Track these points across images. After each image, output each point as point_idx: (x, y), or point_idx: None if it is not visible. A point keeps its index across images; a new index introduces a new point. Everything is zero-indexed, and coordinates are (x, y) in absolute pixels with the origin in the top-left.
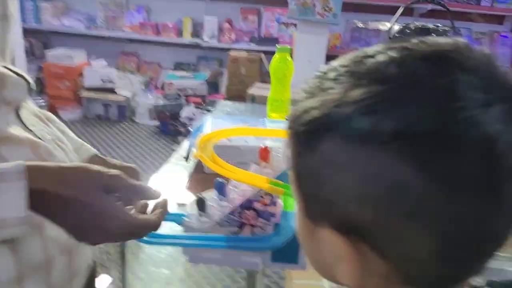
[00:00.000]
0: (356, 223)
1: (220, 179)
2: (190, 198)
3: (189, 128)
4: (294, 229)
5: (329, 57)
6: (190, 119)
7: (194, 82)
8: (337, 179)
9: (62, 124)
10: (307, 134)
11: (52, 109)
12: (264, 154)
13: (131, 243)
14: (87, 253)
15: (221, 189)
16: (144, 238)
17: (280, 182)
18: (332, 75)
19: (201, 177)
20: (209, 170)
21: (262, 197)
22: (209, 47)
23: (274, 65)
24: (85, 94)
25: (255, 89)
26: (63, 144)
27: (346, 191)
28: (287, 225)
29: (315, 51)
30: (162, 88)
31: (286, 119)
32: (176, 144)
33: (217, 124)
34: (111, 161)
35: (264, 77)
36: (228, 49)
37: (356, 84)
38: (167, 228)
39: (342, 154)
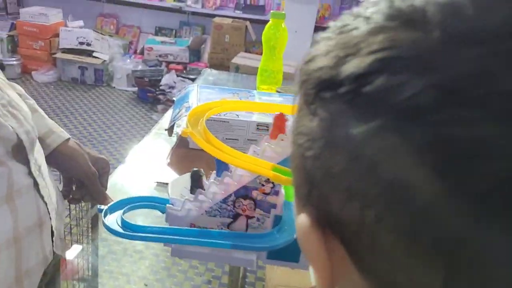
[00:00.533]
0: (337, 218)
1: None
2: (171, 176)
3: (169, 96)
4: None
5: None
6: (171, 87)
7: (175, 48)
8: (328, 156)
9: (33, 101)
10: (309, 95)
11: (25, 70)
12: (280, 122)
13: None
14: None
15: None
16: (120, 231)
17: (287, 169)
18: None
19: (185, 153)
20: (194, 145)
21: (262, 184)
22: (192, 12)
23: (266, 32)
24: (60, 55)
25: (239, 59)
26: (15, 111)
27: (336, 174)
28: (290, 218)
29: (304, 21)
30: (142, 53)
31: (278, 92)
32: (155, 112)
33: (204, 94)
34: (85, 149)
35: (249, 47)
36: (212, 15)
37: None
38: (147, 216)
39: (343, 125)
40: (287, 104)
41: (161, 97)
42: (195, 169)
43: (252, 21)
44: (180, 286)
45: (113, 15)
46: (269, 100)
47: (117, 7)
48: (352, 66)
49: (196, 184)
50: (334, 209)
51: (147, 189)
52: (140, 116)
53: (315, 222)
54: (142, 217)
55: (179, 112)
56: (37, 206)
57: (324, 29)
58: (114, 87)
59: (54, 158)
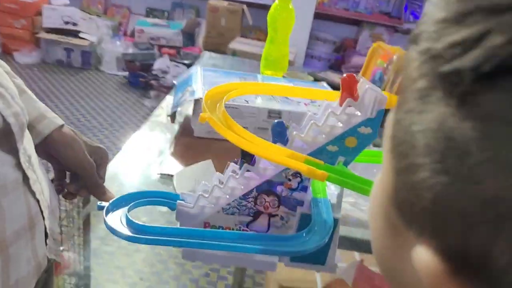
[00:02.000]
0: (476, 250)
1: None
2: (175, 167)
3: (162, 81)
4: (329, 223)
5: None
6: (164, 72)
7: (168, 31)
8: (491, 178)
9: (21, 80)
10: (456, 78)
11: (6, 50)
12: (351, 83)
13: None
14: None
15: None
16: (125, 233)
17: (321, 161)
18: None
19: (189, 142)
20: (199, 133)
21: (289, 179)
22: None
23: (272, 13)
24: (43, 35)
25: (236, 44)
26: (1, 89)
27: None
28: (320, 218)
29: (303, 7)
30: (132, 35)
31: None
32: (147, 98)
33: (209, 78)
34: (81, 137)
35: (245, 32)
36: None
37: None
38: (150, 212)
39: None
40: (316, 88)
41: (153, 82)
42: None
43: (249, 4)
44: (177, 280)
45: None
46: (292, 84)
47: None
48: None
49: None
50: (474, 239)
51: (150, 182)
52: (131, 102)
53: (448, 264)
54: (143, 213)
55: (182, 96)
56: (28, 205)
57: (323, 15)
58: (103, 71)
59: (46, 146)
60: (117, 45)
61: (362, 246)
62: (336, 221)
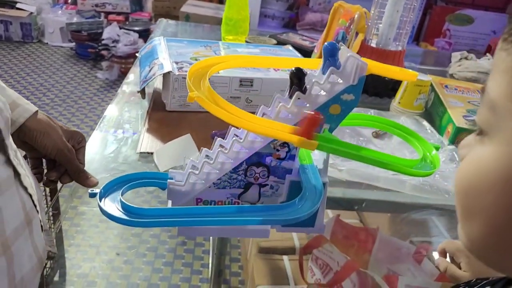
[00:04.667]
0: None
1: None
2: (153, 144)
3: (113, 51)
4: (318, 188)
5: None
6: (114, 41)
7: None
8: None
9: None
10: None
11: None
12: (314, 124)
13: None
14: None
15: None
16: (124, 217)
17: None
18: None
19: (162, 116)
20: (171, 106)
21: (277, 149)
22: None
23: None
24: None
25: (189, 7)
26: None
27: None
28: (309, 184)
29: None
30: (74, 3)
31: (247, 42)
32: (99, 70)
33: (174, 49)
34: (56, 122)
35: None
36: None
37: None
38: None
39: None
40: (289, 56)
41: (104, 52)
42: (295, 68)
43: None
44: (155, 251)
45: None
46: (250, 52)
47: None
48: None
49: (299, 85)
50: None
51: (130, 162)
52: (82, 75)
53: None
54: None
55: (150, 71)
56: (22, 201)
57: None
58: (47, 43)
59: (22, 135)
60: (59, 14)
61: (342, 203)
62: (324, 185)
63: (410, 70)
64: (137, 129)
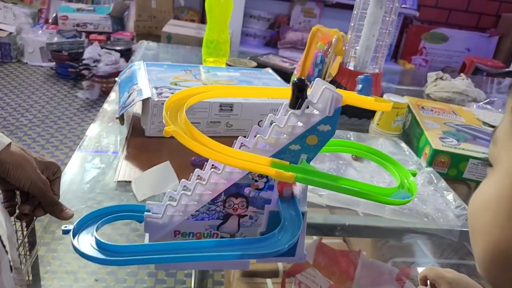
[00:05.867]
0: None
1: None
2: (131, 172)
3: (94, 71)
4: (298, 218)
5: None
6: (96, 60)
7: (95, 16)
8: None
9: None
10: None
11: None
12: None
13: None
14: None
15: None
16: (100, 256)
17: (286, 162)
18: None
19: (142, 142)
20: (151, 132)
21: (255, 180)
22: None
23: (210, 0)
24: None
25: (170, 27)
26: None
27: None
28: (288, 214)
29: None
30: (55, 23)
31: (228, 65)
32: (80, 89)
33: (154, 73)
34: (30, 153)
35: (177, 13)
36: None
37: None
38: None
39: None
40: (273, 85)
41: (85, 72)
42: (297, 79)
43: None
44: (135, 275)
45: None
46: (230, 76)
47: None
48: None
49: (302, 96)
50: None
51: (107, 191)
52: (62, 95)
53: None
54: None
55: (129, 96)
56: None
57: None
58: (27, 63)
59: None
60: (40, 34)
61: (323, 229)
62: (303, 214)
63: (385, 100)
64: (116, 156)
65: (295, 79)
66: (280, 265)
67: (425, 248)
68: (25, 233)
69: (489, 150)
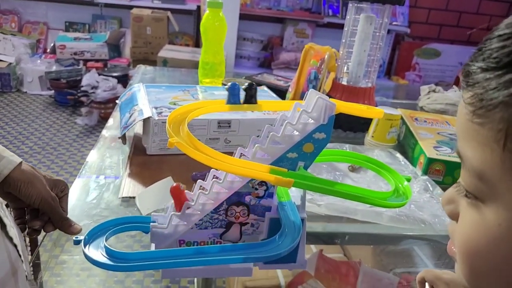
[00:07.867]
0: None
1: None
2: (135, 188)
3: (93, 97)
4: (297, 224)
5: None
6: (94, 87)
7: (91, 44)
8: None
9: None
10: None
11: None
12: (179, 195)
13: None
14: None
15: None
16: (109, 263)
17: (284, 169)
18: None
19: (143, 160)
20: (152, 150)
21: (255, 188)
22: (105, 3)
23: (204, 23)
24: None
25: (166, 52)
26: None
27: None
28: (288, 220)
29: (228, 9)
30: (53, 52)
31: (224, 85)
32: (78, 116)
33: (153, 94)
34: (40, 172)
35: (172, 38)
36: (129, 7)
37: None
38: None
39: None
40: (264, 96)
41: (84, 99)
42: (248, 83)
43: (172, 11)
44: (141, 283)
45: (12, 11)
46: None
47: (16, 2)
48: None
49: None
50: None
51: (113, 207)
52: (61, 122)
53: None
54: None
55: (130, 117)
56: (8, 252)
57: (247, 16)
58: (26, 92)
59: (6, 186)
60: (38, 63)
61: (323, 238)
62: (302, 220)
63: (376, 108)
64: (119, 174)
65: (247, 84)
66: (282, 280)
67: (422, 253)
68: (30, 249)
69: (470, 183)
